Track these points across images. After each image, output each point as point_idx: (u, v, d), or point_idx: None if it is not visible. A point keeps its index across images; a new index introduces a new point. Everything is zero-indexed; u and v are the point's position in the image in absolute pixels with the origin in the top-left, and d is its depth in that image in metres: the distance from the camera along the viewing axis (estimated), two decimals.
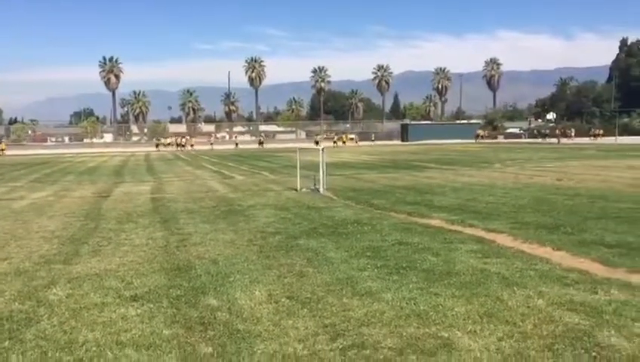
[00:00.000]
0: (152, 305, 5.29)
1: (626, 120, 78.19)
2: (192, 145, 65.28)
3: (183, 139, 66.33)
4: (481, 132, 73.00)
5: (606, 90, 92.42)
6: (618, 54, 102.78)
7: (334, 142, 66.82)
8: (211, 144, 68.06)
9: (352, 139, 75.69)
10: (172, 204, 13.17)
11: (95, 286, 5.99)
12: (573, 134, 67.57)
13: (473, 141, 66.73)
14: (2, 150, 56.80)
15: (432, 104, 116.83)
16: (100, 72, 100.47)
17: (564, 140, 59.15)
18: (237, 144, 67.66)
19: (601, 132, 66.92)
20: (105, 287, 5.96)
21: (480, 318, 4.77)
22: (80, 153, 54.27)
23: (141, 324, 4.79)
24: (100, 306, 5.32)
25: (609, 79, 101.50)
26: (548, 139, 62.14)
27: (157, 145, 64.47)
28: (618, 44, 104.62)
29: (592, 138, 64.60)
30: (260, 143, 66.33)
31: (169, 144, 66.74)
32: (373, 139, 75.01)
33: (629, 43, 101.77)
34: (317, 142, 61.05)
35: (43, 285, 6.08)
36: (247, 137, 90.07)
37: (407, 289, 5.61)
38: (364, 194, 14.17)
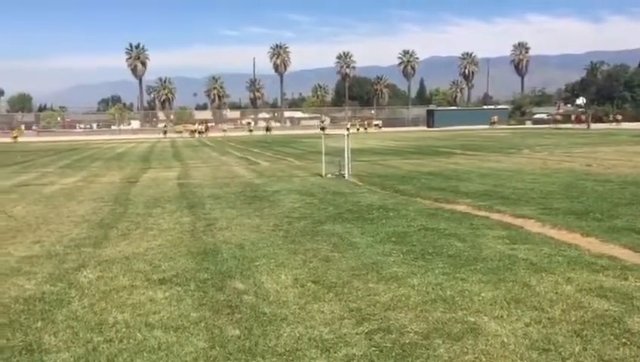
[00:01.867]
0: (179, 288, 5.36)
1: None
2: (205, 130, 62.08)
3: (199, 126, 64.29)
4: (494, 119, 71.27)
5: (638, 75, 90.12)
6: None
7: (347, 128, 65.93)
8: (224, 131, 65.76)
9: (377, 125, 75.36)
10: (198, 189, 13.29)
11: (124, 269, 6.09)
12: (586, 119, 62.64)
13: (496, 127, 65.67)
14: (15, 137, 57.36)
15: (458, 89, 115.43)
16: (127, 59, 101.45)
17: (578, 126, 57.81)
18: (251, 131, 64.98)
19: (620, 117, 64.86)
20: (133, 270, 6.06)
21: (507, 304, 4.73)
22: (108, 139, 55.03)
23: (169, 307, 4.86)
24: (129, 289, 5.41)
25: None
26: (560, 125, 60.90)
27: (164, 133, 62.39)
28: None
29: (614, 123, 62.29)
30: (267, 130, 63.38)
31: (179, 131, 64.69)
32: (380, 125, 72.94)
33: None
34: (322, 128, 60.81)
35: (73, 268, 6.21)
36: (271, 123, 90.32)
37: (433, 275, 5.58)
38: (389, 180, 14.11)
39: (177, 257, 6.58)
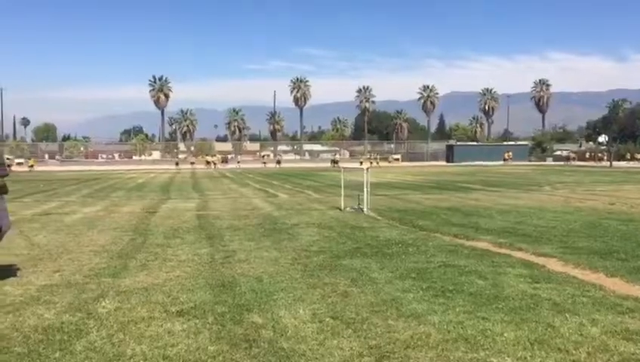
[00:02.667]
0: (197, 321, 5.34)
1: None
2: (215, 163, 63.44)
3: (214, 157, 65.79)
4: (507, 155, 70.56)
5: None
6: None
7: (360, 162, 65.90)
8: (238, 163, 65.82)
9: (396, 159, 75.53)
10: (217, 220, 13.33)
11: (142, 301, 6.09)
12: (609, 157, 61.86)
13: (509, 163, 65.13)
14: (31, 166, 58.78)
15: (478, 125, 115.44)
16: (150, 91, 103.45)
17: (595, 164, 57.22)
18: (264, 163, 65.58)
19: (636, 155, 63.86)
20: (152, 302, 6.05)
21: (530, 345, 4.62)
22: (129, 170, 55.71)
23: (187, 339, 4.83)
24: (148, 320, 5.39)
25: None
26: (572, 162, 60.23)
27: (177, 163, 63.95)
28: None
29: (632, 161, 60.78)
30: (278, 163, 64.44)
31: (193, 163, 65.66)
32: (389, 160, 72.79)
33: None
34: (335, 162, 61.20)
35: (92, 298, 6.22)
36: (290, 156, 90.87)
37: (453, 313, 5.49)
38: (408, 215, 14.04)
39: (195, 289, 6.56)
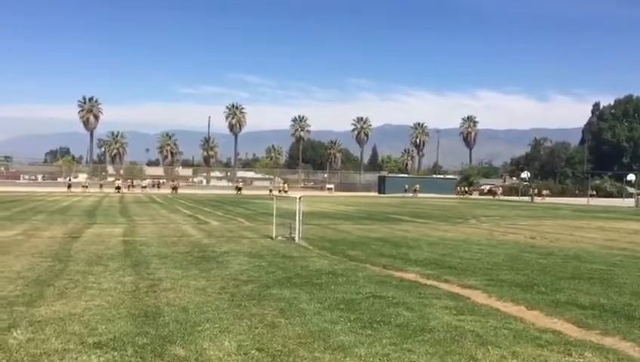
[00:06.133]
0: (115, 353, 5.09)
1: (597, 182, 80.00)
2: (125, 188, 61.52)
3: (120, 182, 63.31)
4: (417, 186, 71.30)
5: (578, 152, 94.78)
6: (590, 118, 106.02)
7: (270, 190, 65.45)
8: (143, 188, 63.68)
9: (330, 189, 76.15)
10: (144, 247, 12.92)
11: (58, 331, 5.76)
12: (531, 193, 63.61)
13: (453, 196, 66.86)
14: None
15: (409, 157, 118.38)
16: (79, 112, 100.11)
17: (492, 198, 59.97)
18: (175, 188, 61.80)
19: (546, 192, 67.19)
20: (68, 332, 5.73)
21: None
22: (52, 192, 53.41)
23: None
24: (61, 352, 5.10)
25: (582, 141, 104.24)
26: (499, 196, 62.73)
27: (68, 186, 60.99)
28: (591, 107, 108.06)
29: (539, 198, 62.93)
30: (238, 189, 63.10)
31: (119, 188, 61.65)
32: (282, 188, 70.95)
33: (601, 107, 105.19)
34: (239, 189, 61.67)
35: (3, 328, 5.83)
36: (224, 183, 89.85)
37: (380, 345, 5.50)
38: (339, 245, 14.09)
39: (116, 319, 6.28)
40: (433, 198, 58.62)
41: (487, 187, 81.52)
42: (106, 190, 60.12)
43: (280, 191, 62.00)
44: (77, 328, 5.90)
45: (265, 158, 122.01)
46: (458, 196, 66.58)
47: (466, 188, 72.69)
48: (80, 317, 6.33)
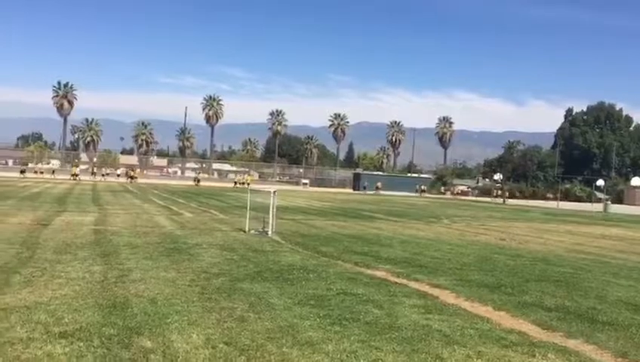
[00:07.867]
0: (81, 344, 5.04)
1: (567, 186, 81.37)
2: (77, 175, 57.85)
3: (77, 168, 60.82)
4: (379, 184, 71.63)
5: (550, 156, 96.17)
6: (563, 123, 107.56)
7: (235, 182, 66.02)
8: (75, 175, 57.97)
9: (305, 184, 76.17)
10: (115, 237, 12.78)
11: (23, 320, 5.68)
12: (502, 194, 64.95)
13: (380, 193, 66.79)
14: None
15: (385, 155, 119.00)
16: (53, 97, 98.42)
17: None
18: (132, 178, 58.29)
19: (503, 193, 67.85)
20: (33, 321, 5.66)
21: None
22: (23, 178, 52.43)
23: None
24: (26, 342, 5.03)
25: (554, 146, 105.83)
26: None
27: (22, 172, 57.26)
28: (564, 113, 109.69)
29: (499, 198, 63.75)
30: (131, 178, 58.24)
31: (40, 172, 60.40)
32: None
33: (573, 113, 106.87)
34: (197, 181, 61.28)
35: None
36: (201, 175, 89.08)
37: (348, 341, 5.54)
38: (312, 241, 14.12)
39: (83, 309, 6.22)
40: (407, 196, 58.99)
41: (462, 188, 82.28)
42: (63, 177, 58.50)
43: (242, 183, 62.02)
44: (43, 317, 5.83)
45: (241, 151, 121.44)
46: (416, 195, 66.92)
47: (424, 188, 73.16)
48: (46, 306, 6.25)
